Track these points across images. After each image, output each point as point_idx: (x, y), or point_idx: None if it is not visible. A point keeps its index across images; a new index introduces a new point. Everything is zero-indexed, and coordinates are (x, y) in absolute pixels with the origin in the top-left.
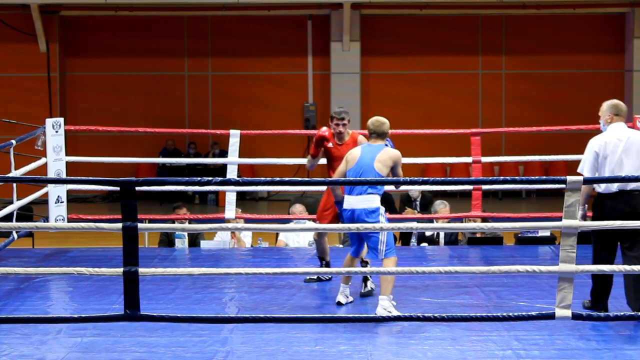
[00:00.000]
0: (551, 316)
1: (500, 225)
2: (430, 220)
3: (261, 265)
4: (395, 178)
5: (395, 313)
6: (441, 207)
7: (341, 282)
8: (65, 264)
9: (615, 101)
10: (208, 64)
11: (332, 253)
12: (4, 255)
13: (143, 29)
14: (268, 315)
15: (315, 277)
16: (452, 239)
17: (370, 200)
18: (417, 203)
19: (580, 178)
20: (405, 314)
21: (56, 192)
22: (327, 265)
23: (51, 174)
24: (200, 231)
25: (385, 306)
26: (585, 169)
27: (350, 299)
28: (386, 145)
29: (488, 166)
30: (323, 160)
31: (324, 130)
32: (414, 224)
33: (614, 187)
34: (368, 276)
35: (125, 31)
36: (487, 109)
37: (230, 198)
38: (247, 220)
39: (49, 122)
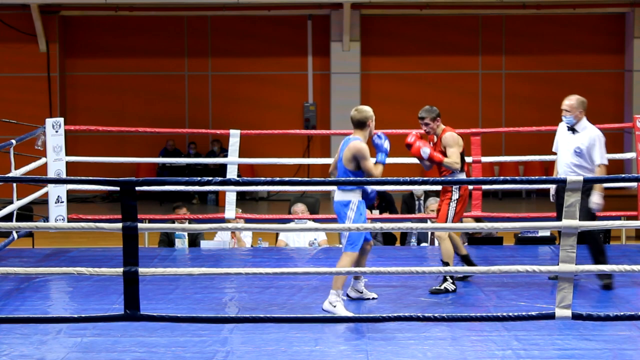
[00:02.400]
0: (551, 316)
1: (500, 225)
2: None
3: (261, 265)
4: (394, 178)
5: (341, 310)
6: (431, 202)
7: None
8: (65, 264)
9: (581, 97)
10: (208, 64)
11: (330, 253)
12: (4, 255)
13: (143, 29)
14: (268, 315)
15: (442, 287)
16: None
17: (343, 194)
18: (421, 202)
19: (580, 178)
20: (405, 314)
21: (56, 192)
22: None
23: (51, 174)
24: (200, 231)
25: (331, 300)
26: (605, 159)
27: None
28: (358, 139)
29: (488, 166)
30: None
31: (410, 136)
32: (414, 224)
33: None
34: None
35: (125, 31)
36: (487, 109)
37: (230, 198)
38: (247, 220)
39: (49, 122)
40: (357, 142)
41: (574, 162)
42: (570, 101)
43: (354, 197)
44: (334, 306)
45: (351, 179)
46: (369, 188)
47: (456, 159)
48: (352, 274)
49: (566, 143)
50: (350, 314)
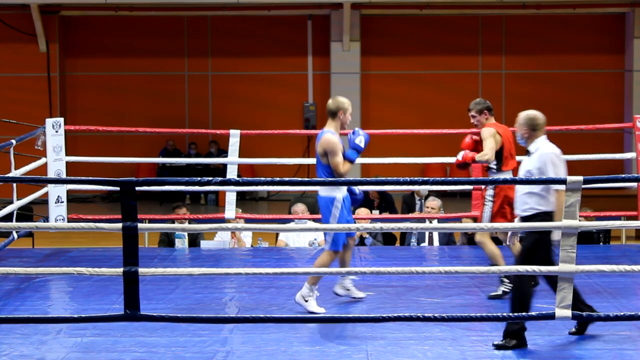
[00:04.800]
0: (551, 316)
1: (500, 225)
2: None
3: (261, 265)
4: (394, 178)
5: (313, 306)
6: (431, 200)
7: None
8: (65, 264)
9: (533, 113)
10: (208, 64)
11: None
12: (4, 255)
13: (143, 29)
14: (268, 315)
15: (500, 292)
16: (449, 239)
17: (329, 190)
18: (422, 201)
19: (580, 178)
20: (405, 314)
21: (56, 192)
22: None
23: (51, 174)
24: (200, 231)
25: (304, 294)
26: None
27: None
28: (330, 131)
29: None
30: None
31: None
32: (414, 224)
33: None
34: (503, 278)
35: (125, 31)
36: None
37: (230, 198)
38: (247, 220)
39: (49, 122)
40: (328, 135)
41: (525, 189)
42: (518, 117)
43: (339, 194)
44: (306, 300)
45: (350, 179)
46: (356, 189)
47: (487, 151)
48: (351, 274)
49: (521, 167)
50: (322, 310)
